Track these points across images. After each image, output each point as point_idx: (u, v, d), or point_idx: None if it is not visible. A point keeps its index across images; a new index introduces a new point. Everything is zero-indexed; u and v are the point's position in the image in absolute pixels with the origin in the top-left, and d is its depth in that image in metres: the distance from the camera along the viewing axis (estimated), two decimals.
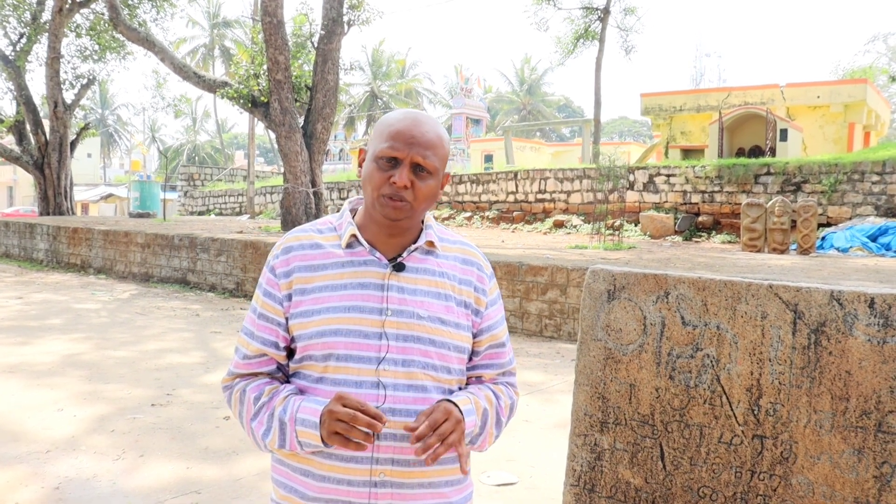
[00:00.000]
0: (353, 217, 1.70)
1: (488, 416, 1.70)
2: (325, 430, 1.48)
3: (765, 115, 22.37)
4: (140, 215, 25.54)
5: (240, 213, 29.00)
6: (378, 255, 1.62)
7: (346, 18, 16.49)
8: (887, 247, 13.97)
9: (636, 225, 18.38)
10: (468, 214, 22.19)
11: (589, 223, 18.38)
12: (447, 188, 21.29)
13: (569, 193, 20.18)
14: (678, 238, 17.34)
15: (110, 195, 43.76)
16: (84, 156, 52.26)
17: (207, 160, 69.11)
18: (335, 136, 49.53)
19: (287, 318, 1.61)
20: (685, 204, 18.15)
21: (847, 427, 2.56)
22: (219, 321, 10.05)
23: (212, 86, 18.28)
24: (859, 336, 2.54)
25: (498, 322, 1.78)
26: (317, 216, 16.29)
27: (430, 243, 1.67)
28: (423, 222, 1.71)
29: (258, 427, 1.59)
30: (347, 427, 1.45)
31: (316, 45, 16.64)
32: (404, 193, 1.56)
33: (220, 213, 30.80)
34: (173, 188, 36.93)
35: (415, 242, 1.66)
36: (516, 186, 21.18)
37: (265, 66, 16.30)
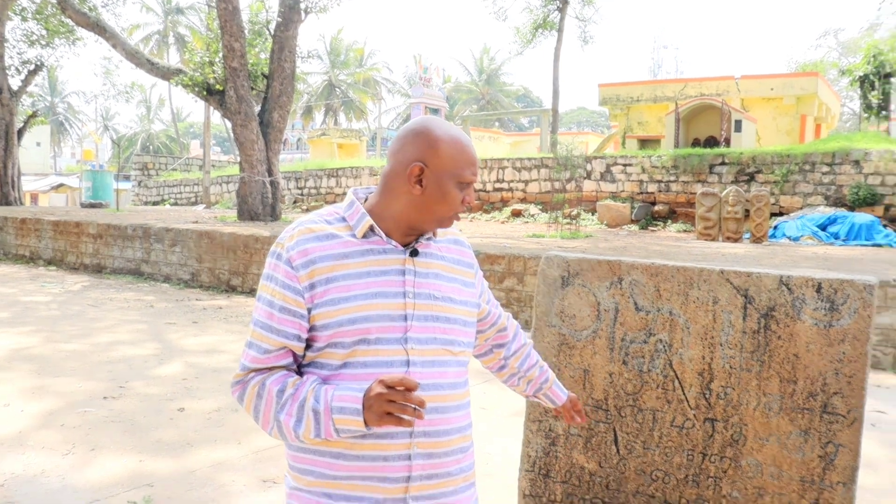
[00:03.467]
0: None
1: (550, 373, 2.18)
2: (374, 414, 1.54)
3: (720, 107, 22.67)
4: (92, 205, 24.99)
5: (195, 203, 28.57)
6: (394, 243, 1.71)
7: (303, 6, 16.30)
8: (836, 235, 14.30)
9: (593, 214, 18.53)
10: None
11: (546, 212, 18.47)
12: None
13: (527, 183, 20.26)
14: (634, 227, 17.53)
15: (61, 185, 42.74)
16: (33, 145, 50.85)
17: (162, 149, 67.89)
18: (293, 126, 49.03)
19: (309, 309, 1.66)
20: (642, 193, 18.34)
21: (794, 409, 2.60)
22: (173, 312, 9.90)
23: (166, 73, 17.95)
24: (807, 320, 2.59)
25: (484, 283, 2.00)
26: (273, 206, 16.14)
27: (434, 232, 1.80)
28: None
29: (287, 419, 1.63)
30: (400, 407, 1.51)
31: (272, 32, 16.42)
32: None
33: (176, 203, 30.30)
34: (127, 178, 36.21)
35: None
36: None
37: (221, 54, 16.04)
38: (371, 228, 1.70)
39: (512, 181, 20.54)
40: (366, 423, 1.56)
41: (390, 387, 1.53)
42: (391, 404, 1.51)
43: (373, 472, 1.64)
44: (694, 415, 2.76)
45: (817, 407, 2.57)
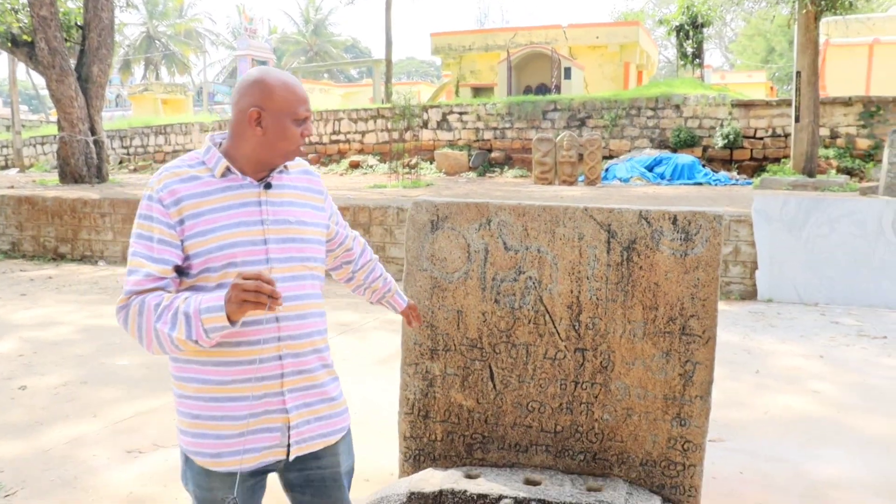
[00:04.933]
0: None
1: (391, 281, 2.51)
2: (233, 304, 1.71)
3: (550, 55, 23.39)
4: None
5: (6, 168, 26.24)
6: (249, 179, 1.96)
7: None
8: (662, 176, 15.26)
9: (431, 163, 18.71)
10: None
11: (385, 163, 18.47)
12: None
13: (363, 134, 20.10)
14: (473, 174, 17.88)
15: None
16: None
17: None
18: (110, 81, 45.87)
19: (182, 241, 1.88)
20: (478, 141, 18.70)
21: (656, 333, 2.79)
22: None
23: None
24: (665, 250, 2.76)
25: (334, 206, 2.28)
26: (99, 167, 15.16)
27: (285, 165, 2.06)
28: None
29: (163, 326, 1.79)
30: (256, 294, 1.69)
31: None
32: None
33: None
34: None
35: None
36: None
37: (27, 0, 14.69)
38: (228, 168, 1.94)
39: (348, 133, 20.32)
40: (229, 319, 1.73)
41: (247, 279, 1.72)
42: (247, 293, 1.69)
43: (251, 373, 1.89)
44: (565, 346, 2.89)
45: (676, 330, 2.77)
